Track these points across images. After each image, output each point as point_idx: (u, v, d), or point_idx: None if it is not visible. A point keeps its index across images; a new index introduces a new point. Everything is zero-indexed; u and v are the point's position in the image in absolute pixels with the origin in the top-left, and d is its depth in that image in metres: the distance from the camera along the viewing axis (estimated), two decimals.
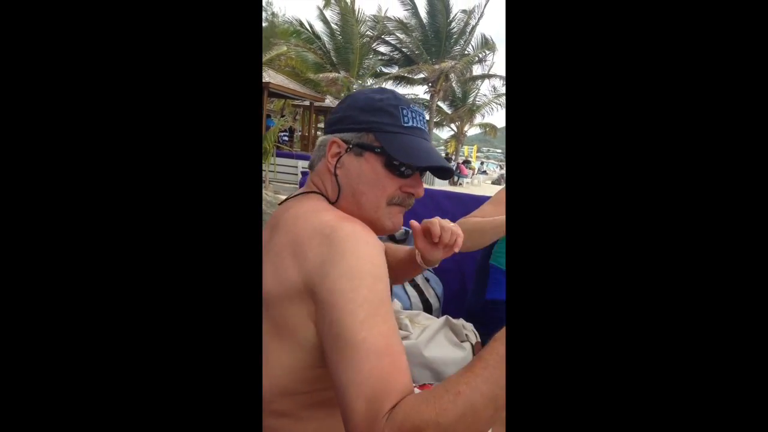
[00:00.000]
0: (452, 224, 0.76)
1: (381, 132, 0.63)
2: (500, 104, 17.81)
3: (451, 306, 1.36)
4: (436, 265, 0.83)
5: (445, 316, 1.13)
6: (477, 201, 1.64)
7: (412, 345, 1.03)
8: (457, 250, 0.77)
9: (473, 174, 17.38)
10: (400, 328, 1.08)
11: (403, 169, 0.64)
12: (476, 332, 1.12)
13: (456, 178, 14.68)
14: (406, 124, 0.64)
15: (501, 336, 0.45)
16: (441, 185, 12.67)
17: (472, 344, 1.08)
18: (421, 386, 0.93)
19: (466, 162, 17.91)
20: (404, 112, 0.65)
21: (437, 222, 0.75)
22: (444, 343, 1.07)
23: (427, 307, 1.34)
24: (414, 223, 0.76)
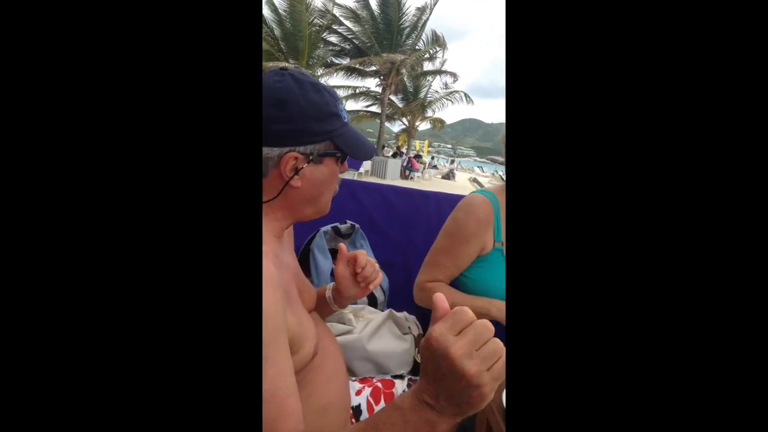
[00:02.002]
0: (376, 265, 0.80)
1: (336, 137, 0.66)
2: (451, 100, 18.19)
3: (398, 299, 1.38)
4: (344, 308, 0.86)
5: (388, 310, 1.14)
6: (425, 196, 1.67)
7: (356, 339, 1.03)
8: (372, 288, 0.81)
9: (424, 168, 17.67)
10: (344, 323, 1.08)
11: (343, 159, 0.70)
12: (419, 324, 1.13)
13: (407, 173, 14.86)
14: (345, 120, 0.69)
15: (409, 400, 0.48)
16: (392, 180, 12.77)
17: (414, 336, 1.10)
18: (362, 380, 0.94)
19: (418, 156, 18.17)
20: (340, 108, 0.69)
21: (365, 255, 0.78)
22: (387, 335, 1.08)
23: (372, 301, 1.34)
24: (342, 246, 0.80)
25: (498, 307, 1.00)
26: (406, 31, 16.35)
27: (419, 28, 16.42)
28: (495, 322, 1.13)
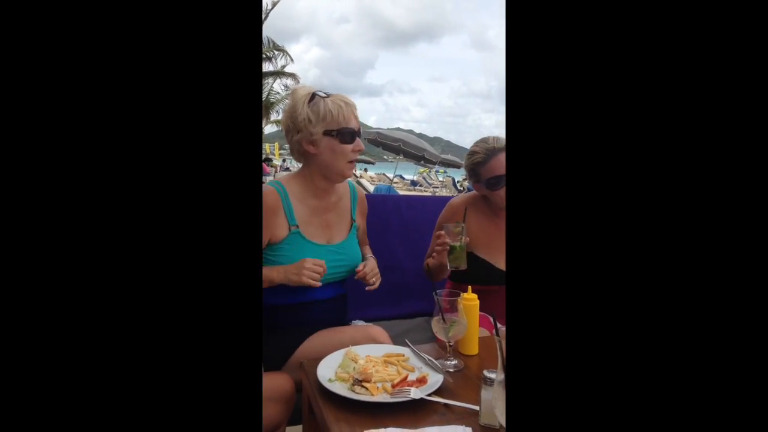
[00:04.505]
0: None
1: None
2: None
3: None
4: None
5: None
6: None
7: None
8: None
9: (276, 171, 17.21)
10: None
11: None
12: None
13: None
14: None
15: None
16: None
17: None
18: None
19: (267, 160, 17.60)
20: None
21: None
22: None
23: None
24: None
25: (278, 271, 1.08)
26: None
27: None
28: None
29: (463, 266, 1.15)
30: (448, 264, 1.17)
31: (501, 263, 1.30)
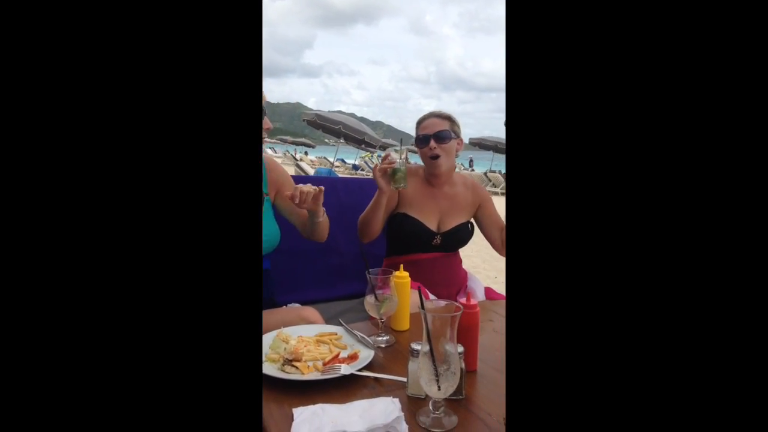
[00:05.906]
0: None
1: None
2: None
3: None
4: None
5: None
6: None
7: None
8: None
9: None
10: None
11: None
12: None
13: None
14: None
15: None
16: None
17: None
18: None
19: None
20: None
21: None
22: None
23: None
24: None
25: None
26: None
27: None
28: None
29: (405, 186, 1.29)
30: (392, 185, 1.28)
31: (430, 223, 1.45)
